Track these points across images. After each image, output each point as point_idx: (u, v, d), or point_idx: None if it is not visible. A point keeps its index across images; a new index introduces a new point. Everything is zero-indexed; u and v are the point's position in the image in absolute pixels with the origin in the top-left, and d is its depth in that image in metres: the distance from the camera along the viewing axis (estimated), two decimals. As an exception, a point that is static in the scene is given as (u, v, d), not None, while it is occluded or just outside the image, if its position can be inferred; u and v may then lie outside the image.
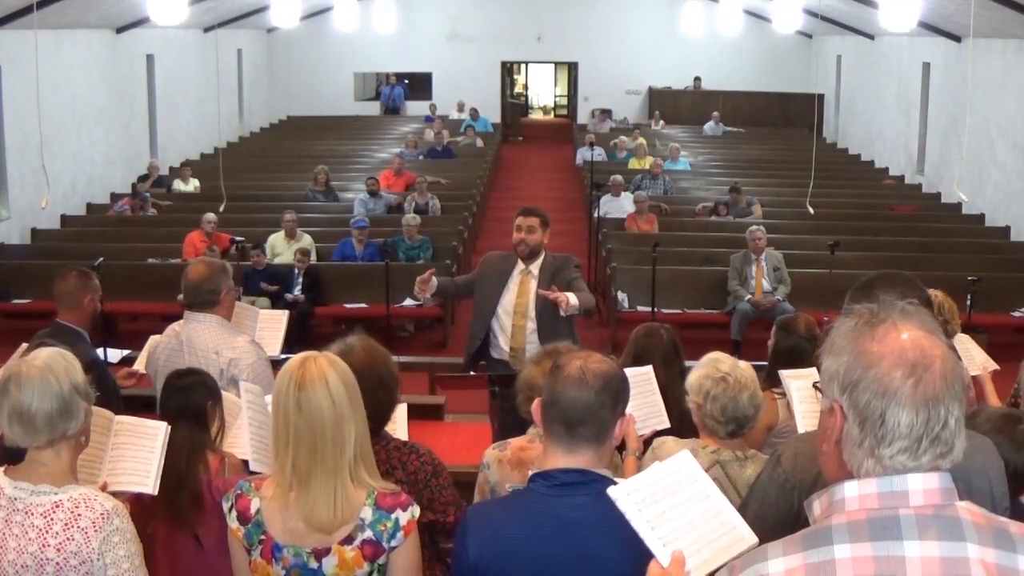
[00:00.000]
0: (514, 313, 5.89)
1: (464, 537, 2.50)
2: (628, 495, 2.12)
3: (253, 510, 2.61)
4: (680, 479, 2.20)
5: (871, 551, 1.58)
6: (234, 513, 2.64)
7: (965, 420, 3.50)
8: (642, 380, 4.02)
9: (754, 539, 2.11)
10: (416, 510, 2.64)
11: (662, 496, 2.14)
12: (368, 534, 2.57)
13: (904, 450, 1.63)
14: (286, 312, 5.34)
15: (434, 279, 5.92)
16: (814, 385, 1.85)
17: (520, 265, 5.97)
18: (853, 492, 1.65)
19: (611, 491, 2.13)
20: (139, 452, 3.43)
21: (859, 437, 1.66)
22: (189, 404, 3.68)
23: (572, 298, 5.61)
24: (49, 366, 2.63)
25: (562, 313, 5.69)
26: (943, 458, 1.65)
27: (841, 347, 1.70)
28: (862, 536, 1.60)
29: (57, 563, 2.56)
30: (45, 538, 2.57)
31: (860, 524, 1.62)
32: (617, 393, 2.46)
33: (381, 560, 2.58)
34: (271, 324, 5.13)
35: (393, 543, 2.58)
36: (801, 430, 3.58)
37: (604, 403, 2.43)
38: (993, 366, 4.98)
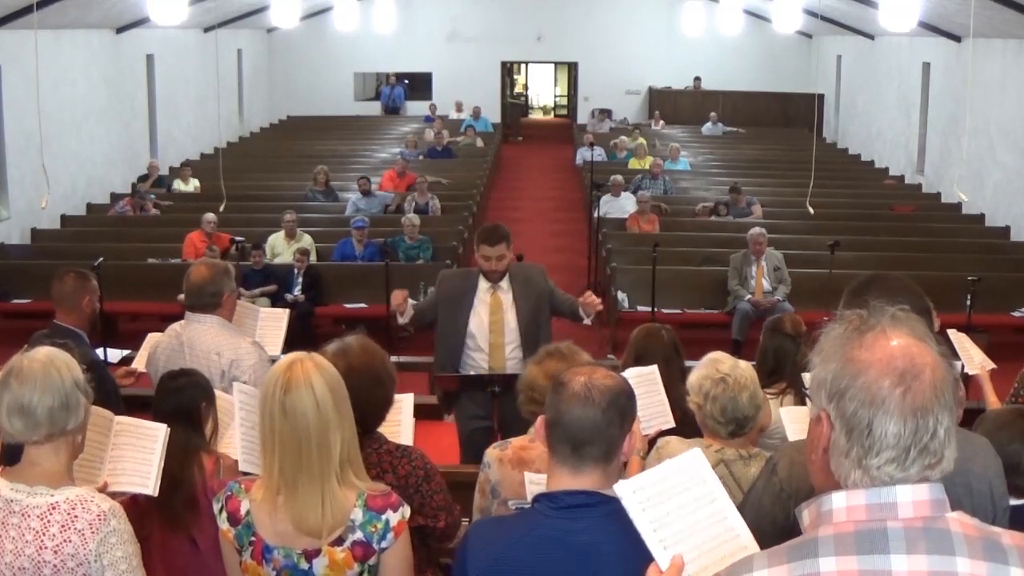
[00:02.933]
0: (491, 332, 5.57)
1: (464, 558, 2.42)
2: (634, 493, 2.06)
3: (243, 512, 2.60)
4: (688, 478, 2.15)
5: (856, 565, 1.55)
6: (224, 515, 2.63)
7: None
8: (647, 380, 4.02)
9: (756, 548, 2.06)
10: (407, 510, 2.62)
11: (668, 496, 2.08)
12: (358, 535, 2.55)
13: (891, 460, 1.59)
14: (287, 311, 5.30)
15: (409, 302, 5.62)
16: (803, 391, 1.83)
17: (485, 282, 5.65)
18: (841, 503, 1.62)
19: (617, 487, 2.07)
20: (139, 453, 3.43)
21: (846, 447, 1.62)
22: (182, 405, 3.66)
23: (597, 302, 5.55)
24: (51, 360, 2.63)
25: (585, 320, 5.60)
26: (932, 469, 1.61)
27: (829, 354, 1.66)
28: (848, 549, 1.56)
29: (54, 565, 2.55)
30: (42, 540, 2.56)
31: (847, 536, 1.58)
32: (624, 409, 2.36)
33: (372, 561, 2.57)
34: (272, 323, 5.11)
35: (384, 544, 2.56)
36: (791, 437, 3.58)
37: (612, 420, 2.32)
38: (991, 365, 4.99)
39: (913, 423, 1.59)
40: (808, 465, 1.76)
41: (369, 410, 2.99)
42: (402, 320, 5.65)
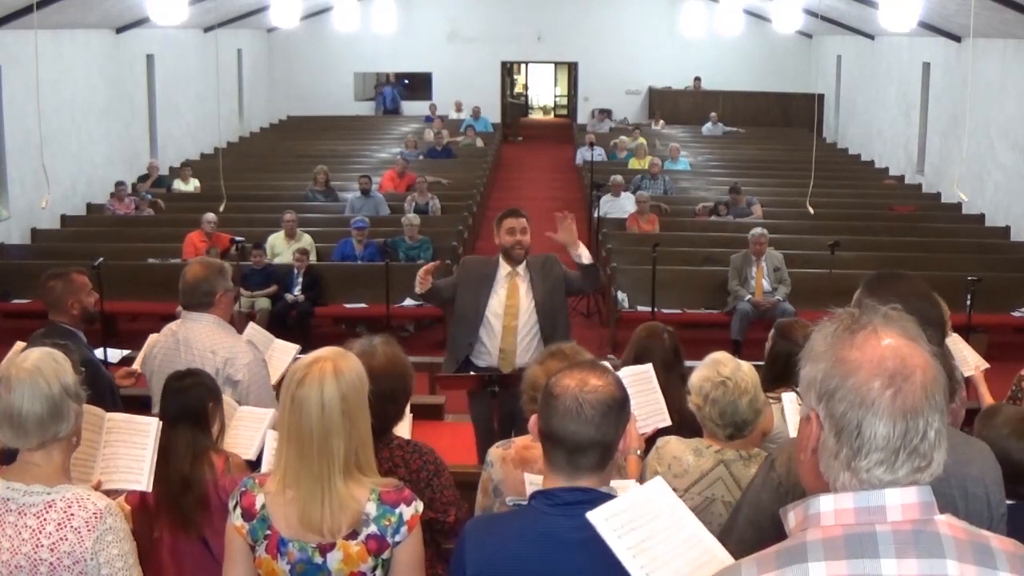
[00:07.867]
0: (505, 315, 5.76)
1: (462, 554, 2.46)
2: (606, 520, 2.07)
3: (258, 506, 2.62)
4: (658, 505, 2.16)
5: (846, 570, 1.54)
6: (239, 511, 2.63)
7: (982, 419, 3.48)
8: (642, 378, 4.01)
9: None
10: (419, 505, 2.64)
11: (641, 522, 2.09)
12: (372, 529, 2.57)
13: (880, 463, 1.57)
14: (297, 347, 5.18)
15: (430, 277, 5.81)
16: (795, 391, 1.83)
17: (504, 268, 5.83)
18: (829, 507, 1.60)
19: (590, 515, 2.07)
20: (132, 449, 3.44)
21: (835, 448, 1.60)
22: (189, 406, 3.66)
23: (583, 250, 5.73)
24: (39, 368, 2.61)
25: (574, 257, 5.75)
26: (921, 472, 1.59)
27: (819, 353, 1.64)
28: (838, 553, 1.55)
29: (51, 563, 2.56)
30: (38, 538, 2.56)
31: (836, 541, 1.57)
32: (617, 416, 2.38)
33: (385, 555, 2.59)
34: (281, 354, 5.05)
35: (397, 538, 2.59)
36: (792, 430, 3.57)
37: (606, 432, 2.36)
38: (984, 365, 5.01)
39: (903, 425, 1.57)
40: (798, 466, 1.75)
41: (380, 420, 3.00)
42: (418, 290, 5.81)
